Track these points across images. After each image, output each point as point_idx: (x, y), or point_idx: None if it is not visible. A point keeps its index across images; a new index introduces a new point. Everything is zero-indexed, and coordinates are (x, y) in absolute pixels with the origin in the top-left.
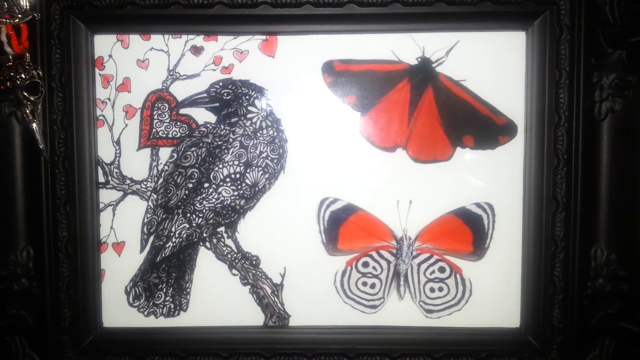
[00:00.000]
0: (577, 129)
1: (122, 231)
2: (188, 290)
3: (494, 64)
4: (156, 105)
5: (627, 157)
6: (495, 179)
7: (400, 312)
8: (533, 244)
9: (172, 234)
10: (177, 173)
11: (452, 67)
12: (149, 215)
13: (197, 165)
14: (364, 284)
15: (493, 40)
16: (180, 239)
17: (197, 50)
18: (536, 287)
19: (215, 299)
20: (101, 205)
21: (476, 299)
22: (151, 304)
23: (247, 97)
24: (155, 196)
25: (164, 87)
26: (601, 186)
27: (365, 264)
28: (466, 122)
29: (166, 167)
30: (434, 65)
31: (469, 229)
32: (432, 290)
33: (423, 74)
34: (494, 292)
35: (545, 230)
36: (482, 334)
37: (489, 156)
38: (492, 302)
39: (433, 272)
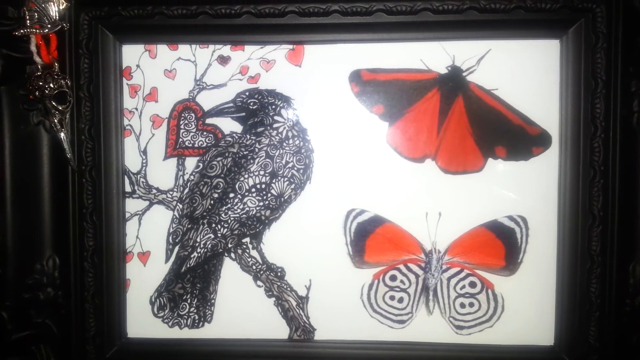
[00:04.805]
0: (614, 140)
1: (148, 241)
2: (212, 301)
3: (526, 73)
4: (183, 115)
5: None
6: (529, 192)
7: (429, 327)
8: (568, 259)
9: (197, 244)
10: (202, 183)
11: (484, 75)
12: (174, 225)
13: (222, 175)
14: (392, 298)
15: (526, 49)
16: (205, 250)
17: (224, 60)
18: (571, 303)
19: (240, 310)
20: (127, 215)
21: (508, 316)
22: (175, 314)
23: (274, 106)
24: (180, 206)
25: (190, 97)
26: None
27: (393, 278)
28: (498, 132)
29: (192, 177)
30: (464, 74)
31: (501, 243)
32: (462, 305)
33: (453, 83)
34: (527, 308)
35: (581, 245)
36: (515, 351)
37: (522, 168)
38: (525, 319)
39: (463, 286)
